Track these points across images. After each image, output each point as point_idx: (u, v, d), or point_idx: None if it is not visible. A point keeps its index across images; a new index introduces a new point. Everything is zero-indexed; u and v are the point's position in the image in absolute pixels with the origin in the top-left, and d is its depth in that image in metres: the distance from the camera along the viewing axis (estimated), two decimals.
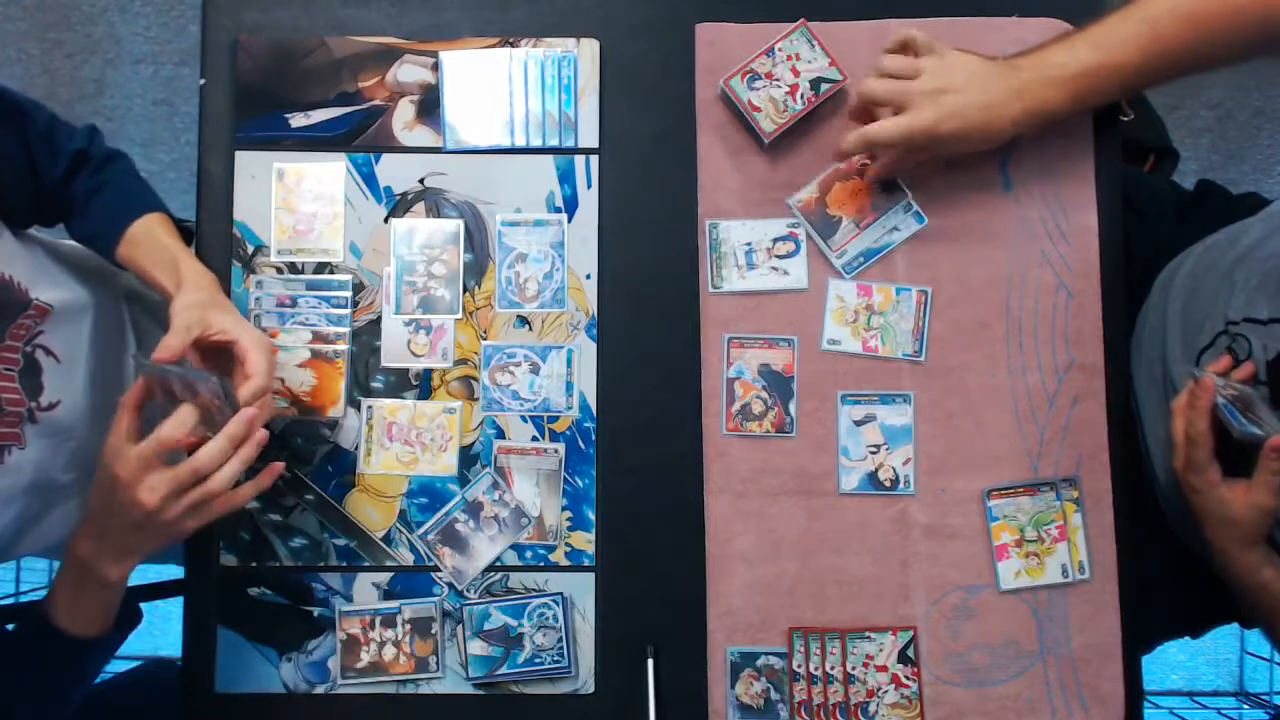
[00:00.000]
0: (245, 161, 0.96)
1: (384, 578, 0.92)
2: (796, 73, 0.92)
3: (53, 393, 0.85)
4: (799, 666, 0.90)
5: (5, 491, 0.82)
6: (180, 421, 0.74)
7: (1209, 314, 0.85)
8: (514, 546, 0.93)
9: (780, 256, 0.94)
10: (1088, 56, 0.83)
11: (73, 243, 0.95)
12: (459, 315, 0.94)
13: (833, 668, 0.90)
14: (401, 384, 0.94)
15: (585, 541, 0.93)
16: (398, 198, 0.96)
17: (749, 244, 0.94)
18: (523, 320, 0.94)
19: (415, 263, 0.95)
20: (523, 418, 0.94)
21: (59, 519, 0.90)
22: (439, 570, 0.92)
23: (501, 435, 0.93)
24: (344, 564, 0.92)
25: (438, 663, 0.91)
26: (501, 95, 0.96)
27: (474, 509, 0.92)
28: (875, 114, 0.88)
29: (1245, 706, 1.86)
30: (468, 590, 0.90)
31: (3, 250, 0.84)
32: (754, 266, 0.94)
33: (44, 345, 0.85)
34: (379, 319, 0.94)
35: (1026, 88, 0.84)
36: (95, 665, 0.85)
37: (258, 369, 0.78)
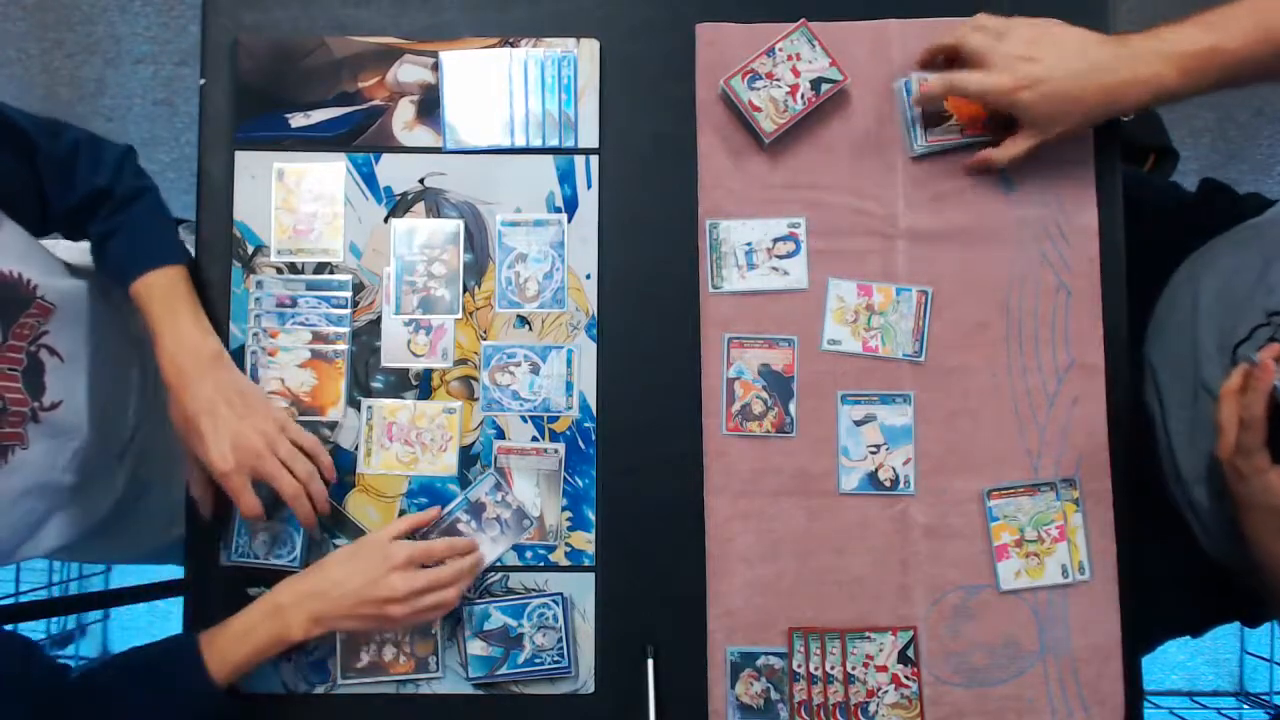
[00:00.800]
0: (245, 161, 0.96)
1: None
2: (797, 73, 0.92)
3: (55, 393, 0.85)
4: (799, 666, 0.90)
5: (9, 493, 0.82)
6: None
7: (1245, 308, 0.84)
8: (514, 546, 0.92)
9: (780, 256, 0.94)
10: (1199, 36, 0.81)
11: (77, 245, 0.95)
12: (459, 315, 0.94)
13: (833, 668, 0.90)
14: (401, 384, 0.94)
15: (585, 541, 0.93)
16: (398, 198, 0.96)
17: (749, 244, 0.94)
18: (523, 320, 0.94)
19: (415, 263, 0.95)
20: (523, 418, 0.94)
21: (62, 523, 0.90)
22: None
23: (501, 435, 0.93)
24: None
25: (438, 663, 0.91)
26: (501, 95, 0.96)
27: (476, 509, 0.92)
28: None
29: (1245, 706, 1.86)
30: (468, 590, 0.90)
31: (12, 246, 0.83)
32: (754, 266, 0.94)
33: (48, 345, 0.85)
34: (379, 319, 0.94)
35: (1139, 56, 0.82)
36: None
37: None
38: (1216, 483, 0.87)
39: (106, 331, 0.93)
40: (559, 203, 0.95)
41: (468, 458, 0.93)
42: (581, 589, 0.92)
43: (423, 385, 0.94)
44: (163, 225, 0.90)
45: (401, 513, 0.93)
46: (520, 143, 0.96)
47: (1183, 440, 0.91)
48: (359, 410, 0.93)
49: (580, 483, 0.93)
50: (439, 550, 0.87)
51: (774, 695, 0.90)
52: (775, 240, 0.94)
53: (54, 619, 1.76)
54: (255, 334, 0.94)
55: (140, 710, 0.80)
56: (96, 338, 0.91)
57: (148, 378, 1.00)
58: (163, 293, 0.86)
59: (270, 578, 0.92)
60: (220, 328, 0.94)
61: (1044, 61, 0.84)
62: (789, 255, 0.94)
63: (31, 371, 0.83)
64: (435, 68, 0.95)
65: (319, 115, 0.96)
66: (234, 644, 0.82)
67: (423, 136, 0.96)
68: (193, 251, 0.96)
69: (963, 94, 0.88)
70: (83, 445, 0.88)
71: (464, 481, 0.93)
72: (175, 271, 0.87)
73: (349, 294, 0.94)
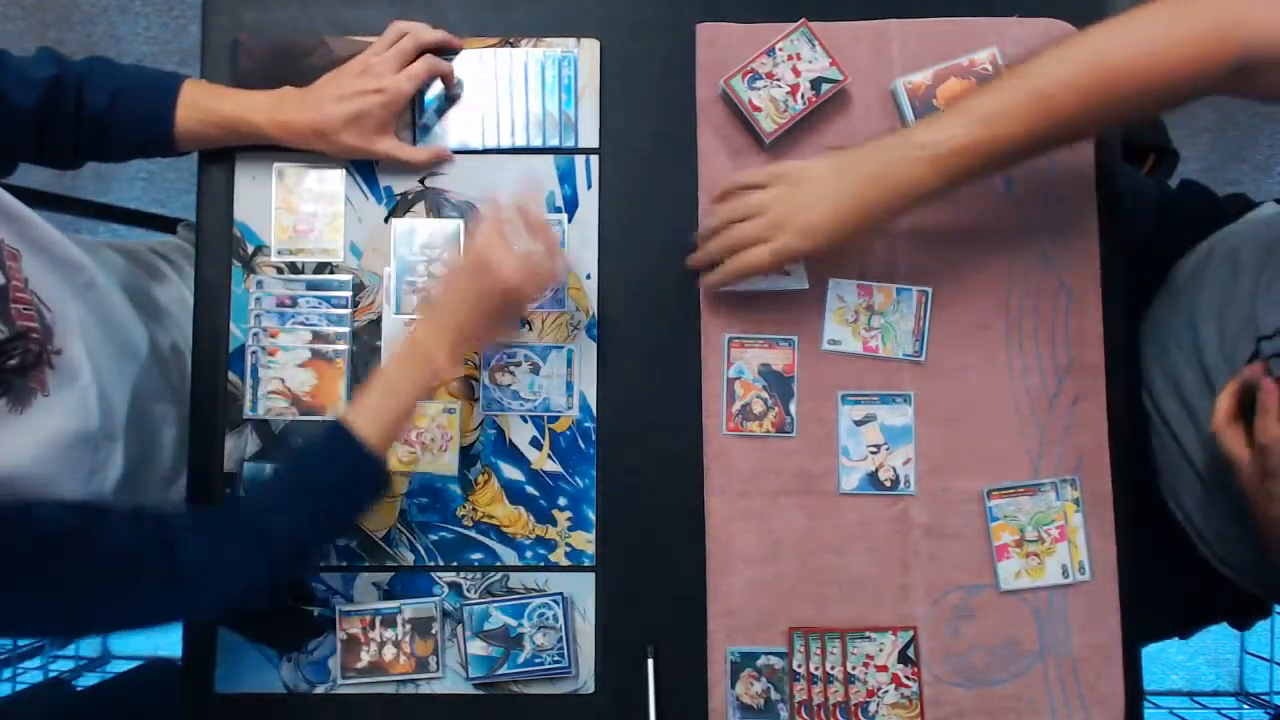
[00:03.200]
0: (245, 161, 0.96)
1: (384, 578, 0.92)
2: (797, 73, 0.92)
3: (57, 339, 0.83)
4: (799, 666, 0.90)
5: (57, 440, 0.80)
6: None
7: (1240, 336, 0.83)
8: (514, 546, 0.92)
9: None
10: (964, 132, 0.77)
11: None
12: None
13: (833, 668, 0.90)
14: None
15: (585, 541, 0.93)
16: (398, 198, 0.96)
17: None
18: (523, 320, 0.94)
19: (415, 263, 0.95)
20: (523, 418, 0.94)
21: (115, 468, 0.88)
22: (439, 570, 0.92)
23: (501, 435, 0.93)
24: (344, 564, 0.92)
25: (438, 663, 0.91)
26: (502, 95, 0.96)
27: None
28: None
29: (1245, 706, 1.86)
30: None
31: None
32: None
33: (35, 292, 0.82)
34: (379, 319, 0.94)
35: (888, 170, 0.80)
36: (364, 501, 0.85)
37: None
38: (1211, 490, 0.88)
39: (93, 292, 0.91)
40: (559, 203, 0.95)
41: (468, 458, 0.93)
42: (581, 589, 0.92)
43: None
44: (136, 68, 0.90)
45: (402, 513, 0.93)
46: (520, 143, 0.96)
47: (1189, 431, 0.90)
48: None
49: (580, 483, 0.93)
50: (513, 217, 0.83)
51: (774, 695, 0.90)
52: None
53: None
54: (255, 334, 0.94)
55: (312, 514, 0.79)
56: (80, 294, 0.88)
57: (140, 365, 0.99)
58: (204, 92, 0.89)
59: None
60: (221, 327, 0.94)
61: (814, 207, 0.82)
62: None
63: (41, 316, 0.81)
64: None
65: None
66: (386, 400, 0.80)
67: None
68: (193, 251, 0.96)
69: (759, 272, 0.86)
70: (88, 386, 0.85)
71: (464, 481, 0.93)
72: (190, 83, 0.89)
73: (349, 294, 0.94)
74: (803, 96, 0.92)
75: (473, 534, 0.93)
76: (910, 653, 0.90)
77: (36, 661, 1.72)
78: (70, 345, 0.85)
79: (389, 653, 0.91)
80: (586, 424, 0.94)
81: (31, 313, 0.80)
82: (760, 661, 0.91)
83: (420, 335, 0.82)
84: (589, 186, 0.95)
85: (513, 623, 0.91)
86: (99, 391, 0.87)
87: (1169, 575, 0.95)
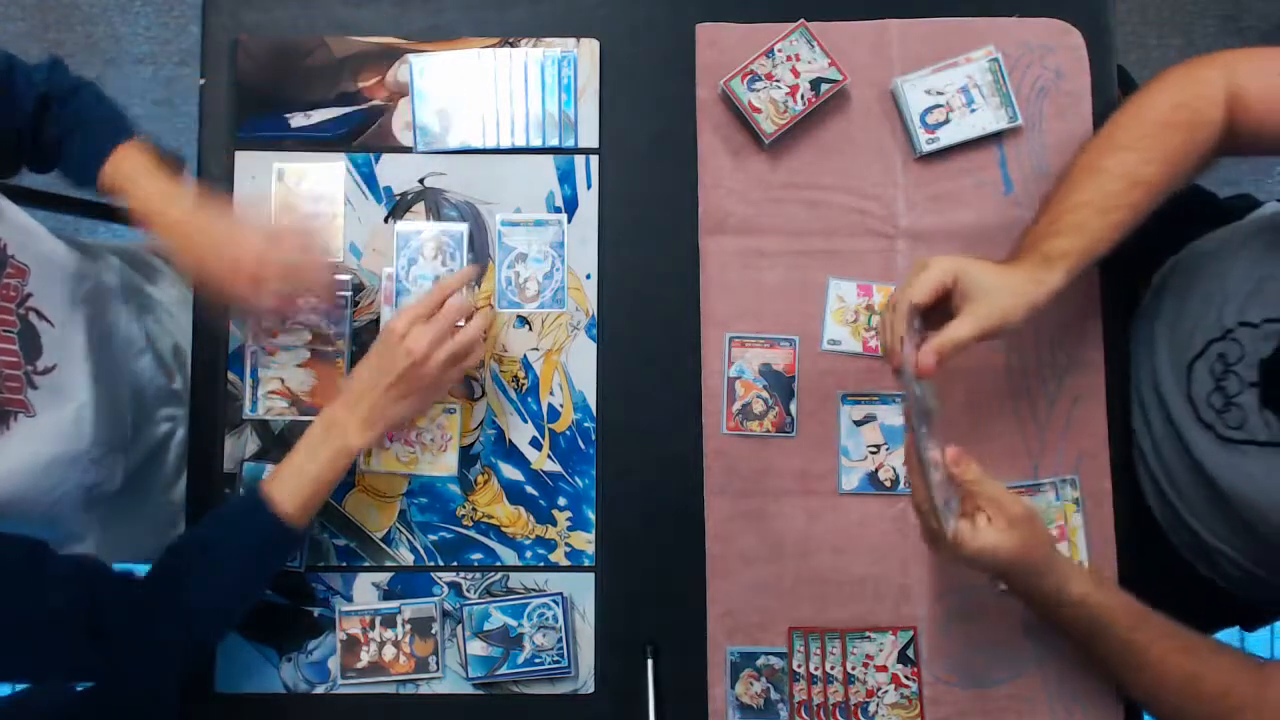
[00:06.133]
0: (245, 161, 0.96)
1: (384, 578, 0.92)
2: (796, 73, 0.92)
3: (50, 356, 0.84)
4: (799, 666, 0.90)
5: (35, 463, 0.81)
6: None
7: (1199, 324, 0.85)
8: (514, 546, 0.92)
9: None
10: (1067, 242, 0.78)
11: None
12: None
13: (833, 668, 0.90)
14: None
15: (585, 541, 0.93)
16: (398, 198, 0.96)
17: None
18: (523, 320, 0.94)
19: (415, 263, 0.95)
20: (523, 417, 0.94)
21: (93, 495, 0.89)
22: (439, 570, 0.92)
23: (501, 435, 0.93)
24: (344, 564, 0.92)
25: (438, 663, 0.91)
26: (501, 95, 0.96)
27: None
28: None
29: None
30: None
31: None
32: None
33: (35, 308, 0.83)
34: (379, 319, 0.94)
35: (1033, 273, 0.78)
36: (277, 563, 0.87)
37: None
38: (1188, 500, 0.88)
39: (90, 291, 0.91)
40: (559, 203, 0.95)
41: (468, 458, 0.93)
42: (581, 589, 0.92)
43: None
44: (109, 109, 0.90)
45: (401, 513, 0.93)
46: (520, 143, 0.96)
47: (1152, 450, 0.91)
48: None
49: (580, 483, 0.93)
50: (434, 296, 0.85)
51: (774, 695, 0.90)
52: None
53: None
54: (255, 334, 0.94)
55: (223, 582, 0.81)
56: (80, 298, 0.89)
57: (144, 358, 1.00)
58: (129, 166, 0.86)
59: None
60: (220, 327, 0.94)
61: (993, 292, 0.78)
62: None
63: (27, 334, 0.82)
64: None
65: (319, 115, 0.96)
66: (298, 476, 0.82)
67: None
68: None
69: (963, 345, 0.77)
70: (82, 406, 0.87)
71: (464, 481, 0.93)
72: (133, 146, 0.87)
73: (349, 294, 0.94)
74: (802, 97, 0.92)
75: (473, 534, 0.93)
76: (910, 653, 0.90)
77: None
78: (67, 363, 0.86)
79: (389, 653, 0.91)
80: (586, 424, 0.94)
81: (11, 335, 0.80)
82: (760, 661, 0.91)
83: (334, 409, 0.84)
84: (589, 186, 0.95)
85: (512, 623, 0.91)
86: (96, 410, 0.88)
87: (1175, 579, 0.94)
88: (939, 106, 0.93)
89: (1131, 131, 0.80)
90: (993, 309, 0.76)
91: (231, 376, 0.94)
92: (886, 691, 0.90)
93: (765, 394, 0.93)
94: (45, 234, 0.88)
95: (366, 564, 0.93)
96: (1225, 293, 0.82)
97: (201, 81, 0.97)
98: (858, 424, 0.92)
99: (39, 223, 0.92)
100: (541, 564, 0.92)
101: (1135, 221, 0.79)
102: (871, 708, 0.90)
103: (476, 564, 0.93)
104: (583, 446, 0.93)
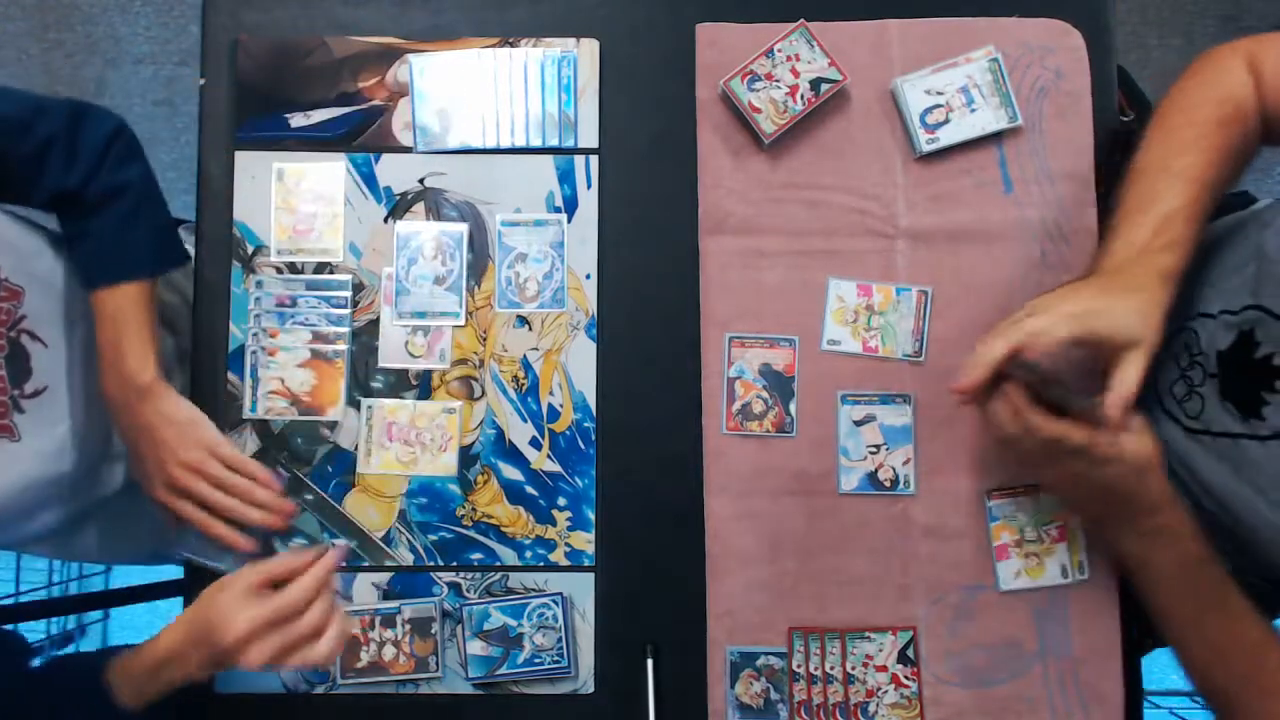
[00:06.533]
0: (245, 161, 0.96)
1: (384, 578, 0.92)
2: (796, 73, 0.92)
3: (40, 378, 0.84)
4: (799, 666, 0.90)
5: (8, 488, 0.82)
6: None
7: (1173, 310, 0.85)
8: (514, 546, 0.92)
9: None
10: (1168, 260, 0.78)
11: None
12: (459, 316, 0.94)
13: (832, 668, 0.90)
14: (401, 384, 0.94)
15: (585, 541, 0.93)
16: (398, 198, 0.96)
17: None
18: (522, 320, 0.94)
19: (415, 263, 0.95)
20: (522, 417, 0.94)
21: (59, 511, 0.89)
22: (439, 570, 0.92)
23: (501, 435, 0.93)
24: (344, 564, 0.92)
25: (437, 663, 0.91)
26: (501, 95, 0.96)
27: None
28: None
29: None
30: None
31: None
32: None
33: (28, 330, 0.83)
34: (378, 319, 0.94)
35: (1131, 288, 0.77)
36: None
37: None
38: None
39: (84, 311, 0.90)
40: (559, 203, 0.95)
41: (467, 458, 0.93)
42: (581, 589, 0.92)
43: (422, 385, 0.94)
44: (131, 233, 0.85)
45: (401, 513, 0.93)
46: (520, 143, 0.96)
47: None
48: (359, 410, 0.93)
49: (580, 483, 0.93)
50: (281, 567, 0.76)
51: (774, 695, 0.90)
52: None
53: (54, 619, 1.76)
54: (255, 334, 0.94)
55: None
56: (74, 318, 0.89)
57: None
58: (113, 312, 0.83)
59: None
60: (220, 327, 0.94)
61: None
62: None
63: (15, 357, 0.82)
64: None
65: (319, 115, 0.96)
66: (149, 678, 0.76)
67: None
68: (193, 251, 0.96)
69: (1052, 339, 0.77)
70: (74, 427, 0.87)
71: (464, 481, 0.93)
72: (132, 290, 0.84)
73: (349, 294, 0.94)
74: (802, 97, 0.92)
75: (472, 534, 0.93)
76: (910, 653, 0.90)
77: (36, 661, 1.72)
78: (58, 384, 0.87)
79: (389, 653, 0.91)
80: (586, 424, 0.94)
81: None
82: (760, 661, 0.91)
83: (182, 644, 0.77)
84: (589, 186, 0.95)
85: (512, 623, 0.91)
86: (86, 430, 0.89)
87: None
88: (939, 106, 0.93)
89: (1188, 133, 0.80)
90: (1148, 349, 0.75)
91: (231, 376, 0.94)
92: (886, 691, 0.90)
93: (765, 394, 0.93)
94: (42, 248, 0.88)
95: (366, 564, 0.93)
96: (1189, 283, 0.83)
97: (201, 81, 0.97)
98: (857, 424, 0.92)
99: (39, 226, 0.92)
100: (541, 564, 0.92)
101: (1205, 229, 0.79)
102: (871, 708, 0.90)
103: (476, 564, 0.93)
104: (582, 446, 0.93)
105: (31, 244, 0.87)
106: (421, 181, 0.96)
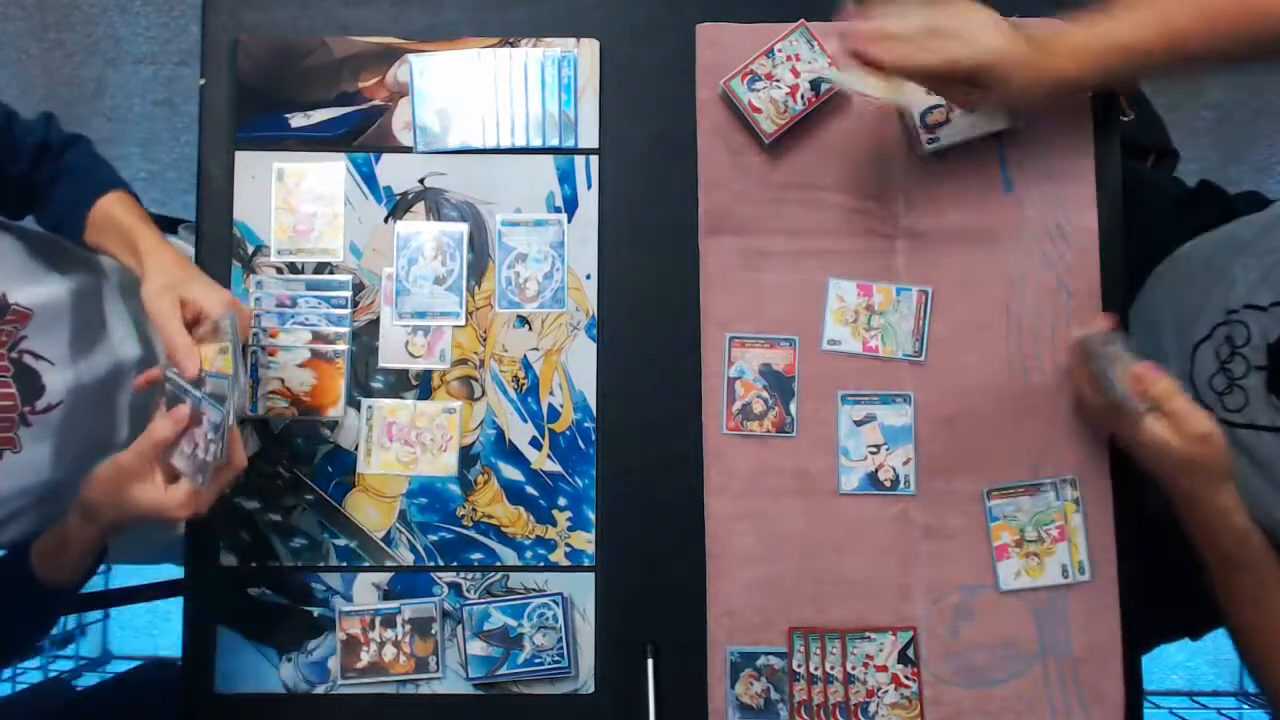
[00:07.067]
0: (245, 161, 0.96)
1: (384, 578, 0.92)
2: (796, 73, 0.92)
3: (53, 394, 0.85)
4: (799, 666, 0.90)
5: (4, 495, 0.82)
6: (165, 426, 0.74)
7: (1204, 307, 0.85)
8: (514, 546, 0.92)
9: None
10: (1108, 34, 0.78)
11: (49, 235, 0.93)
12: (459, 316, 0.94)
13: (833, 668, 0.90)
14: (401, 384, 0.94)
15: (585, 541, 0.93)
16: (398, 198, 0.96)
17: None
18: (523, 320, 0.94)
19: (415, 263, 0.95)
20: (523, 417, 0.94)
21: (36, 517, 0.89)
22: (439, 570, 0.92)
23: (501, 435, 0.93)
24: (344, 564, 0.92)
25: (438, 663, 0.91)
26: (501, 95, 0.96)
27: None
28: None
29: (1245, 706, 1.86)
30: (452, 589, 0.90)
31: None
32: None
33: (30, 350, 0.85)
34: (378, 319, 0.94)
35: (1048, 49, 0.79)
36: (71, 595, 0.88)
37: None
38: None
39: (85, 328, 0.92)
40: (559, 203, 0.95)
41: (468, 458, 0.93)
42: (581, 589, 0.92)
43: (423, 385, 0.94)
44: (100, 161, 0.90)
45: (401, 513, 0.93)
46: (520, 143, 0.96)
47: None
48: (359, 410, 0.93)
49: (580, 483, 0.93)
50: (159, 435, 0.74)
51: (774, 695, 0.90)
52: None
53: None
54: (255, 334, 0.94)
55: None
56: (76, 336, 0.90)
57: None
58: (124, 208, 0.86)
59: (270, 578, 0.92)
60: None
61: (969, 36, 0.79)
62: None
63: (23, 375, 0.83)
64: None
65: (319, 115, 0.96)
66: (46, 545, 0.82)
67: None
68: (193, 252, 0.96)
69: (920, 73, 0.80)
70: (75, 444, 0.88)
71: (464, 482, 0.93)
72: (123, 194, 0.88)
73: (349, 294, 0.94)
74: (802, 97, 0.92)
75: (472, 534, 0.93)
76: (910, 653, 0.90)
77: (36, 661, 1.72)
78: (70, 398, 0.87)
79: (389, 653, 0.91)
80: (586, 424, 0.94)
81: (5, 379, 0.82)
82: (760, 661, 0.91)
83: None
84: (589, 186, 0.95)
85: (513, 623, 0.91)
86: (86, 443, 0.89)
87: (1174, 579, 0.94)
88: (939, 106, 0.93)
89: None
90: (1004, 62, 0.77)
91: None
92: (886, 691, 0.90)
93: (765, 394, 0.93)
94: (43, 271, 0.89)
95: (366, 564, 0.93)
96: (1231, 277, 0.83)
97: (201, 81, 0.97)
98: (857, 424, 0.92)
99: (43, 248, 0.93)
100: (541, 564, 0.92)
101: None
102: (871, 708, 0.90)
103: (476, 564, 0.93)
104: (583, 446, 0.93)
105: (32, 266, 0.89)
106: (422, 181, 0.96)
